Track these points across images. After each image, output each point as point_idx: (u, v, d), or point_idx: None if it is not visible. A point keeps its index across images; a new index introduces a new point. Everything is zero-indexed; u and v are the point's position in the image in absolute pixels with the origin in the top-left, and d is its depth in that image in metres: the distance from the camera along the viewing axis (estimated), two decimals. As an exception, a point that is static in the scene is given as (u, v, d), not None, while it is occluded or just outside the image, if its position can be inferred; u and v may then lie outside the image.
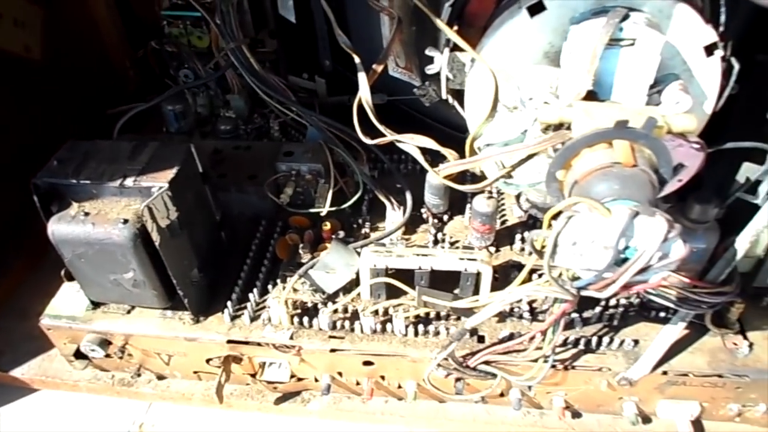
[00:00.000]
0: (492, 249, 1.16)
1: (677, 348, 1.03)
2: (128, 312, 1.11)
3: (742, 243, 0.93)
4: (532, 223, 1.21)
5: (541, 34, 0.77)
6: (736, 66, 0.84)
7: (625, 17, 0.68)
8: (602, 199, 0.64)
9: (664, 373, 1.01)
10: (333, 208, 1.18)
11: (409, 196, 1.19)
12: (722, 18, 0.87)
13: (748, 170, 0.97)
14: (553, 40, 0.77)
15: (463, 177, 1.23)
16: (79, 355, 1.16)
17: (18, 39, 1.45)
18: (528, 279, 0.93)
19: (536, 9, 0.75)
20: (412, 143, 0.90)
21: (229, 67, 1.38)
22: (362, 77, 0.96)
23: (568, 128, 0.70)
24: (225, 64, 1.39)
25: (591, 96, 0.72)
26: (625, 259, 0.63)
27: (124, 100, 1.58)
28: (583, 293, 0.70)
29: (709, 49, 0.76)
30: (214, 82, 1.51)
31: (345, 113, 1.08)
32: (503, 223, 1.22)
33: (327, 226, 1.16)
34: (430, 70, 0.92)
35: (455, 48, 0.89)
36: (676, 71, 0.77)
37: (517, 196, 1.17)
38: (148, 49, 1.62)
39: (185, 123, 1.47)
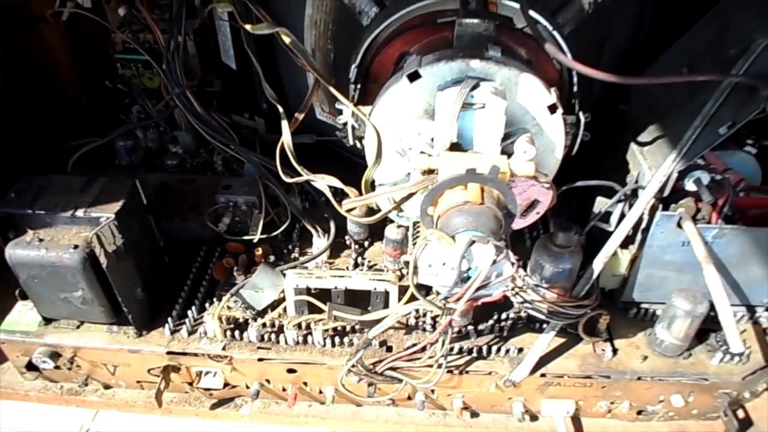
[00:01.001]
0: (404, 271, 1.33)
1: (555, 354, 1.21)
2: (77, 327, 1.24)
3: (597, 263, 1.12)
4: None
5: (420, 95, 0.95)
6: (582, 119, 1.03)
7: (476, 86, 0.87)
8: (456, 230, 0.81)
9: (543, 375, 1.19)
10: (265, 236, 1.34)
11: (332, 225, 1.36)
12: (575, 79, 1.07)
13: (601, 203, 1.17)
14: (430, 100, 0.95)
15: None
16: (30, 367, 1.28)
17: (-20, 77, 1.57)
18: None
19: (414, 76, 0.93)
20: (322, 182, 1.07)
21: (176, 108, 1.53)
22: (285, 124, 1.12)
23: (436, 173, 0.88)
24: (173, 104, 1.54)
25: (456, 147, 0.90)
26: (469, 278, 0.80)
27: (80, 132, 1.72)
28: (448, 305, 0.87)
29: (552, 109, 0.96)
30: (164, 120, 1.65)
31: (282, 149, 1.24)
32: (419, 235, 1.39)
33: (259, 251, 1.32)
34: (340, 120, 1.10)
35: (359, 102, 1.08)
36: (528, 126, 0.97)
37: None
38: (102, 86, 1.76)
39: (135, 157, 1.62)
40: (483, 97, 0.87)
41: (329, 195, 1.08)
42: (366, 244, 1.40)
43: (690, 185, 1.08)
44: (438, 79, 0.92)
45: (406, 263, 0.91)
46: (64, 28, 1.68)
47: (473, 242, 0.77)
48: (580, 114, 1.03)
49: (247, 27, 0.85)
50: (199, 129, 1.41)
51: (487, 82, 0.89)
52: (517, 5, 1.00)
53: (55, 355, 1.24)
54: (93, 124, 1.88)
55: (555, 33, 1.02)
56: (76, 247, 1.06)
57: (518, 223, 0.99)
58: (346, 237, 1.39)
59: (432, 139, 0.94)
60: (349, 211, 1.05)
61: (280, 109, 1.14)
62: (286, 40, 0.91)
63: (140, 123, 1.63)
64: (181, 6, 1.34)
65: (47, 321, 1.25)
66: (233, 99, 1.67)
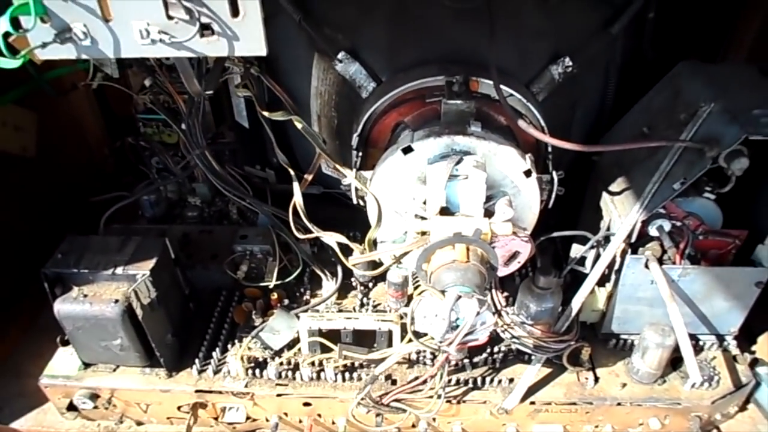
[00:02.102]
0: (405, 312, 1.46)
1: (542, 383, 1.33)
2: (114, 370, 1.37)
3: (576, 303, 1.26)
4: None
5: (413, 166, 1.11)
6: (555, 178, 1.18)
7: (459, 161, 1.02)
8: (446, 286, 0.96)
9: (532, 403, 1.32)
10: (279, 282, 1.48)
11: (340, 269, 1.50)
12: (549, 145, 1.23)
13: (576, 250, 1.32)
14: (422, 168, 1.10)
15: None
16: (71, 407, 1.41)
17: (17, 142, 1.71)
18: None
19: (407, 150, 1.09)
20: (331, 239, 1.22)
21: (196, 166, 1.68)
22: (296, 186, 1.28)
23: (429, 235, 1.03)
24: (193, 163, 1.69)
25: (445, 210, 1.06)
26: (458, 326, 0.95)
27: (103, 183, 1.87)
28: (442, 348, 1.01)
29: (527, 173, 1.11)
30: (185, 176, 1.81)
31: (291, 199, 1.38)
32: (417, 288, 1.54)
33: (274, 296, 1.46)
34: (345, 181, 1.25)
35: (361, 166, 1.23)
36: (507, 189, 1.12)
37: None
38: (125, 143, 1.91)
39: (158, 209, 1.77)
40: (466, 169, 1.02)
41: (337, 249, 1.23)
42: (370, 285, 1.55)
43: (653, 231, 1.22)
44: (428, 153, 1.08)
45: (405, 314, 1.05)
46: (92, 93, 1.84)
47: (460, 297, 0.92)
48: (554, 173, 1.18)
49: (265, 113, 1.00)
50: (217, 185, 1.56)
51: (470, 155, 1.04)
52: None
53: (94, 396, 1.37)
54: (116, 174, 2.04)
55: (529, 104, 1.17)
56: (116, 301, 1.21)
57: (502, 271, 1.13)
58: (353, 279, 1.54)
59: (425, 202, 1.09)
60: (354, 265, 1.19)
61: (291, 172, 1.29)
62: (299, 125, 1.07)
63: (163, 182, 1.78)
64: (200, 77, 1.50)
65: (86, 365, 1.38)
66: (245, 152, 1.82)
